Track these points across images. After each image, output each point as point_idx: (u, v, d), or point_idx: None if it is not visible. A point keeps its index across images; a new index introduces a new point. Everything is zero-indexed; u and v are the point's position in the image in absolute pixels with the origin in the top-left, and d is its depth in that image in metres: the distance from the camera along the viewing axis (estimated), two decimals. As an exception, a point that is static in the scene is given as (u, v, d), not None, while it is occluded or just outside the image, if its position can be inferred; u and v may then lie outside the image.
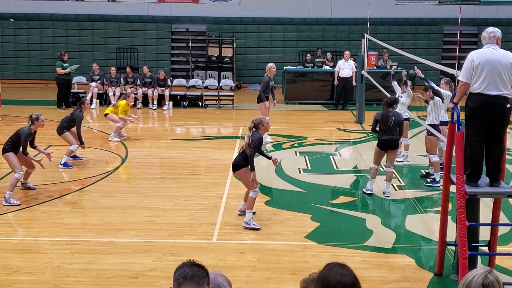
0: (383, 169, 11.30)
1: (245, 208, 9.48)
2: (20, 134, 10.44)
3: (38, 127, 10.66)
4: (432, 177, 11.53)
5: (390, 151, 10.70)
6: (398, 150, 11.18)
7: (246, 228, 9.09)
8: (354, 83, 18.86)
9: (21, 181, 10.57)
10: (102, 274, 7.53)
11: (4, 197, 10.05)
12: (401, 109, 11.74)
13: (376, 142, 10.94)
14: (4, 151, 10.40)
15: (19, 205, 9.98)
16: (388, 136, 10.57)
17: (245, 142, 9.20)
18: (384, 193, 10.75)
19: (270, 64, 14.99)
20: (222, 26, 23.85)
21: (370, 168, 11.12)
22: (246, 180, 9.29)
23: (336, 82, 19.27)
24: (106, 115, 15.01)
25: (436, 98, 11.22)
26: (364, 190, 10.89)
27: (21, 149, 10.38)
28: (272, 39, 23.92)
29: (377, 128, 10.73)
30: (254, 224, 9.14)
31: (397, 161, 13.15)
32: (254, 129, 9.27)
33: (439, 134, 10.44)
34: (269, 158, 9.74)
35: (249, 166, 9.14)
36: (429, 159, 11.66)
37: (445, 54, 23.44)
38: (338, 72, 19.13)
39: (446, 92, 11.38)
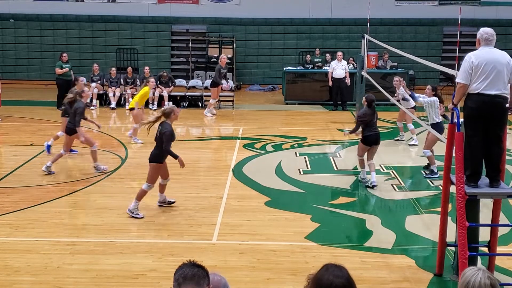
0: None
1: (164, 199, 9.84)
2: (76, 109, 11.52)
3: (86, 98, 11.98)
4: (430, 169, 11.93)
5: (374, 146, 11.16)
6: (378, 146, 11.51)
7: (129, 215, 9.42)
8: (348, 83, 18.90)
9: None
10: (102, 274, 7.53)
11: (95, 167, 11.79)
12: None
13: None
14: (72, 132, 11.63)
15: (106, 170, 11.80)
16: (373, 132, 11.03)
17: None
18: (371, 183, 11.09)
19: (221, 55, 18.92)
20: (222, 26, 23.86)
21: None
22: (153, 173, 9.43)
23: (330, 83, 19.25)
24: (131, 109, 14.74)
25: (433, 98, 11.67)
26: (360, 179, 11.37)
27: (76, 119, 11.57)
28: (272, 39, 23.92)
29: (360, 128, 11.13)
30: (137, 214, 9.45)
31: (409, 144, 14.44)
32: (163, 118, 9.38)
33: (439, 135, 10.48)
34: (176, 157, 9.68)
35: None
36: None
37: (445, 54, 23.46)
38: (332, 73, 19.14)
39: (431, 99, 11.80)
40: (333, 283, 3.22)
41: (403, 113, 14.16)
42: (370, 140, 11.05)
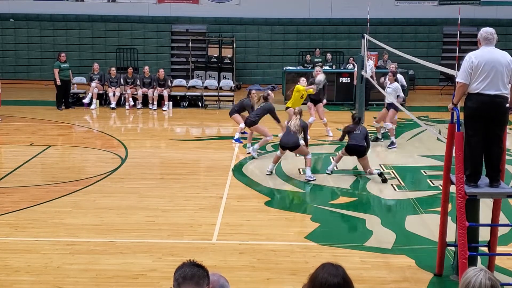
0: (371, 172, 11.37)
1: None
2: (269, 109, 13.63)
3: (272, 100, 13.91)
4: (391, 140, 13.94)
5: (358, 158, 11.75)
6: (365, 158, 11.74)
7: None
8: (374, 82, 18.79)
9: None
10: (102, 274, 7.53)
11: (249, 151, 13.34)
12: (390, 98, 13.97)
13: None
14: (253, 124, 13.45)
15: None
16: (354, 142, 11.68)
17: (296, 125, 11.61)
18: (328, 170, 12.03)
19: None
20: (222, 26, 23.86)
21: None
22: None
23: (355, 82, 19.01)
24: (287, 108, 15.05)
25: (396, 84, 13.87)
26: (326, 171, 12.02)
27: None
28: (272, 39, 23.93)
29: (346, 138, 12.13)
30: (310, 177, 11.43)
31: (388, 147, 14.34)
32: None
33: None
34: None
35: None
36: (378, 125, 14.54)
37: (445, 54, 23.47)
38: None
39: (394, 86, 14.12)
40: (327, 281, 3.24)
41: (384, 114, 14.46)
42: (349, 149, 11.81)
